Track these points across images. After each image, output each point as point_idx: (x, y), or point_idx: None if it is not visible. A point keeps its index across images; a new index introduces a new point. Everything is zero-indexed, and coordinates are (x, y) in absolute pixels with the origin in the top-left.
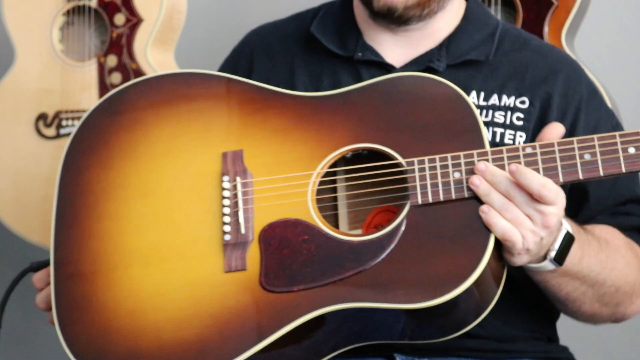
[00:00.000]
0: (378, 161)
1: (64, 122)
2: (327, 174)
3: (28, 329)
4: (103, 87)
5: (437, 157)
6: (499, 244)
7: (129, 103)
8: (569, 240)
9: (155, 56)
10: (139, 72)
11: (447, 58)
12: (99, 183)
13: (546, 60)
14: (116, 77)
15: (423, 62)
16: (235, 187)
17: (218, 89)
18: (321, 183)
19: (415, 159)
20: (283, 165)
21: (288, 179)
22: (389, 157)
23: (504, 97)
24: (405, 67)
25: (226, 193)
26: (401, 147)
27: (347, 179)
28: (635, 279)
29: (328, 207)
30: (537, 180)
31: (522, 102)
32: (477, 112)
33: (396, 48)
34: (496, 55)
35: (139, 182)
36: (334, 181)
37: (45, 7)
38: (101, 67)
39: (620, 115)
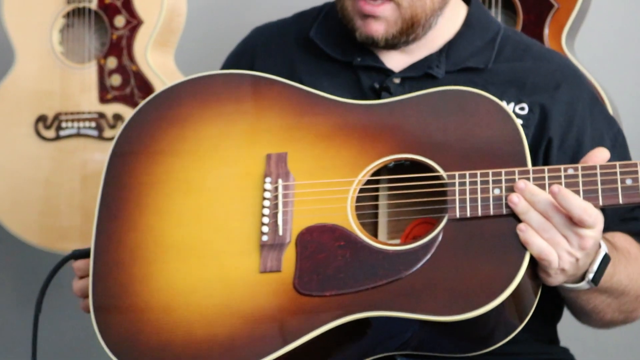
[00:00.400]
0: (420, 173)
1: (63, 124)
2: (368, 182)
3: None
4: (103, 89)
5: (478, 172)
6: (534, 262)
7: (178, 100)
8: (606, 261)
9: (155, 58)
10: (139, 74)
11: (446, 64)
12: (144, 176)
13: (548, 68)
14: (116, 79)
15: (422, 68)
16: (276, 189)
17: (267, 91)
18: (362, 191)
19: (457, 173)
20: (325, 171)
21: (329, 184)
22: (431, 169)
23: (504, 104)
24: (404, 72)
25: (267, 194)
26: (444, 160)
27: (389, 189)
28: None
29: (368, 215)
30: (579, 205)
31: (522, 109)
32: (522, 131)
33: (395, 54)
34: (497, 61)
35: (183, 178)
36: (376, 190)
37: (45, 9)
38: (101, 69)
39: (619, 118)
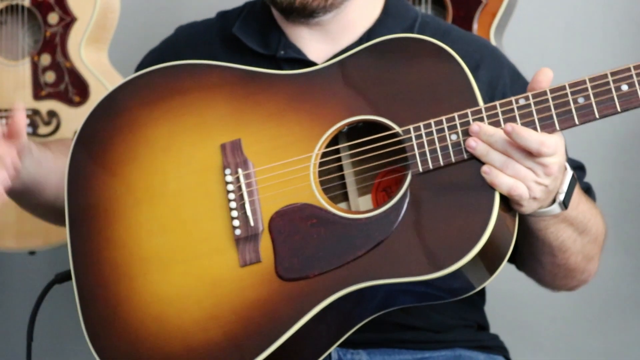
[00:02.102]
0: (376, 131)
1: None
2: (330, 151)
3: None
4: (37, 86)
5: (432, 121)
6: (506, 197)
7: (122, 105)
8: (573, 182)
9: (89, 55)
10: (73, 71)
11: None
12: (106, 191)
13: (467, 49)
14: (50, 76)
15: None
16: (238, 179)
17: (207, 78)
18: (325, 163)
19: (411, 127)
20: (282, 150)
21: (288, 164)
22: (386, 127)
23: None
24: (327, 63)
25: (230, 187)
26: (396, 114)
27: (350, 154)
28: (603, 231)
29: (336, 181)
30: (534, 139)
31: None
32: (467, 69)
33: (317, 44)
34: None
35: (144, 185)
36: (338, 157)
37: None
38: (35, 66)
39: None
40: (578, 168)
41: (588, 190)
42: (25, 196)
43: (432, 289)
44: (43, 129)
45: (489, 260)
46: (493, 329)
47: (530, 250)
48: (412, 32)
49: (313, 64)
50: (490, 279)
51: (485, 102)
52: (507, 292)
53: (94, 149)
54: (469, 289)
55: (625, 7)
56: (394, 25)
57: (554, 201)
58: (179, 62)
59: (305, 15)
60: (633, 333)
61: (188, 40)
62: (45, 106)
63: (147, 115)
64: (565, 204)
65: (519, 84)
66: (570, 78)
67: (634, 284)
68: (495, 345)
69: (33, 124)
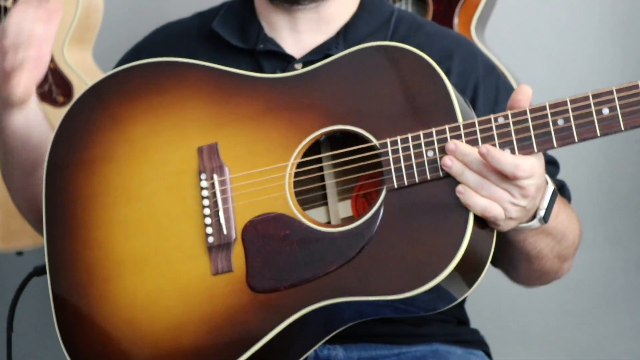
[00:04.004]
0: (354, 139)
1: None
2: (309, 157)
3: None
4: None
5: (409, 136)
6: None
7: (101, 101)
8: (554, 198)
9: (72, 55)
10: (56, 72)
11: (344, 45)
12: (83, 189)
13: (442, 42)
14: None
15: (322, 51)
16: (213, 185)
17: (188, 77)
18: (303, 173)
19: (388, 140)
20: (258, 157)
21: (264, 172)
22: (363, 138)
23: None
24: (305, 57)
25: (205, 192)
26: (374, 126)
27: (331, 163)
28: (578, 233)
29: (316, 185)
30: (510, 162)
31: None
32: (448, 82)
33: (297, 35)
34: (393, 40)
35: (121, 185)
36: (318, 165)
37: None
38: None
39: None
40: (551, 163)
41: (562, 188)
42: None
43: (407, 305)
44: None
45: (465, 276)
46: (480, 325)
47: (506, 256)
48: (389, 26)
49: (291, 57)
50: (467, 292)
51: (458, 91)
52: (493, 286)
53: (73, 146)
54: (446, 304)
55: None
56: (370, 19)
57: (534, 216)
58: (160, 59)
59: (291, 1)
60: (622, 326)
61: (167, 39)
62: None
63: (126, 113)
64: (545, 219)
65: (492, 76)
66: (554, 73)
67: (623, 277)
68: (475, 340)
69: None
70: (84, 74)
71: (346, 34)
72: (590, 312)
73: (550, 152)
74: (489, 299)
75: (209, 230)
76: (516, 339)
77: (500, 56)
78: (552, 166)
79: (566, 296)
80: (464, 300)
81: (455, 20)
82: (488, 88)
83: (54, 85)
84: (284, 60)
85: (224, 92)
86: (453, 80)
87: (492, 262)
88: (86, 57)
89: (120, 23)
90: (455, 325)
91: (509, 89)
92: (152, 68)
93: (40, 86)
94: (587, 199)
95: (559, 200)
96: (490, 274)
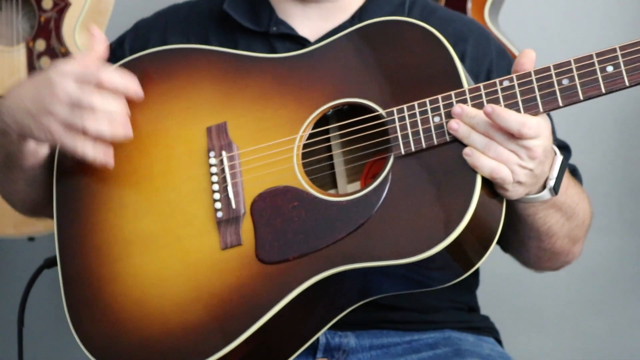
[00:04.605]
0: (362, 113)
1: None
2: (317, 133)
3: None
4: (32, 72)
5: (415, 103)
6: (490, 181)
7: None
8: (563, 167)
9: (84, 40)
10: (68, 56)
11: None
12: (93, 174)
13: (454, 26)
14: (45, 62)
15: (336, 34)
16: (221, 162)
17: (195, 62)
18: (311, 145)
19: (395, 109)
20: (267, 133)
21: (272, 146)
22: (369, 109)
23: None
24: (319, 41)
25: (213, 169)
26: (380, 97)
27: (338, 136)
28: (589, 214)
29: (326, 168)
30: (515, 120)
31: None
32: (452, 51)
33: (309, 22)
34: None
35: (131, 168)
36: (325, 140)
37: None
38: (30, 51)
39: None
40: (563, 148)
41: (574, 172)
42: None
43: (415, 274)
44: None
45: (474, 244)
46: (490, 312)
47: (516, 234)
48: (403, 10)
49: (305, 40)
50: (477, 264)
51: (471, 77)
52: (504, 273)
53: None
54: (457, 275)
55: None
56: (384, 4)
57: (544, 187)
58: (167, 47)
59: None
60: (638, 313)
61: (177, 19)
62: None
63: (135, 100)
64: (555, 190)
65: (505, 61)
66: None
67: (639, 263)
68: (486, 327)
69: None
70: None
71: (361, 18)
72: (605, 299)
73: (563, 137)
74: (500, 285)
75: (218, 205)
76: (528, 326)
77: (514, 41)
78: (563, 151)
79: (580, 283)
80: (475, 287)
81: (469, 5)
82: (501, 73)
83: None
84: (298, 43)
85: (232, 74)
86: (467, 64)
87: (503, 248)
88: None
89: (133, 7)
90: (466, 312)
91: None
92: (159, 56)
93: None
94: (602, 186)
95: (569, 176)
96: (501, 260)
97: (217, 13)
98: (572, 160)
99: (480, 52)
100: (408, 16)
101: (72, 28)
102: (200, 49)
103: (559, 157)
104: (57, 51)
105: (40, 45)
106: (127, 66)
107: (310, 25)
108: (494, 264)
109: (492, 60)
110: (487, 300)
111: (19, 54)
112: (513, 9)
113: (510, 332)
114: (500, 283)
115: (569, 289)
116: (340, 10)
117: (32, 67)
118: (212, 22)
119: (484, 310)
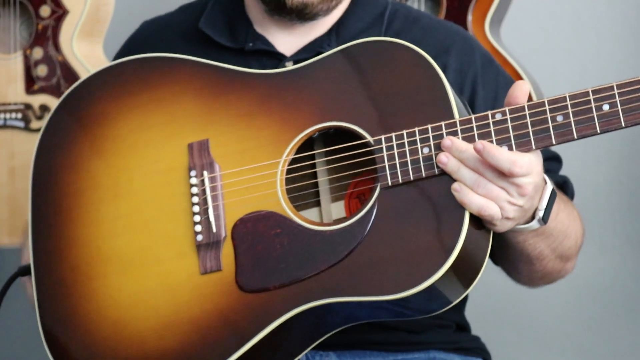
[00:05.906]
0: (350, 136)
1: None
2: (302, 151)
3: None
4: (29, 80)
5: (404, 132)
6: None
7: (91, 97)
8: (553, 198)
9: (81, 48)
10: (65, 65)
11: (337, 43)
12: (70, 186)
13: (438, 36)
14: (42, 70)
15: (313, 49)
16: (203, 182)
17: (178, 72)
18: (295, 170)
19: (383, 137)
20: (250, 153)
21: (256, 169)
22: (357, 134)
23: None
24: (296, 55)
25: (194, 190)
26: (369, 122)
27: (321, 157)
28: (581, 232)
29: (309, 186)
30: (506, 159)
31: None
32: (444, 78)
33: (286, 37)
34: (387, 35)
35: (109, 182)
36: (311, 163)
37: None
38: (27, 59)
39: None
40: (553, 159)
41: (565, 184)
42: None
43: (397, 307)
44: (35, 124)
45: (460, 278)
46: (482, 331)
47: (506, 258)
48: (382, 21)
49: (282, 55)
50: (463, 294)
51: (455, 89)
52: (497, 290)
53: (60, 141)
54: (440, 307)
55: None
56: (363, 14)
57: (532, 217)
58: (151, 55)
59: (305, 18)
60: (638, 332)
61: (150, 36)
62: (37, 100)
63: (115, 108)
64: (544, 220)
65: (491, 70)
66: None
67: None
68: (475, 347)
69: (25, 119)
70: (93, 68)
71: (338, 31)
72: (607, 317)
73: (559, 149)
74: (492, 303)
75: (198, 228)
76: (525, 347)
77: (516, 55)
78: (554, 162)
79: (582, 301)
80: (463, 305)
81: (469, 17)
82: (487, 83)
83: (62, 79)
84: (275, 59)
85: (216, 88)
86: (450, 77)
87: (495, 261)
88: (96, 50)
89: (133, 16)
90: (454, 332)
91: (509, 83)
92: (142, 63)
93: (48, 79)
94: (608, 202)
95: (559, 199)
96: (494, 276)
97: (191, 30)
98: (574, 176)
99: (464, 64)
100: (388, 27)
101: (69, 36)
102: (183, 59)
103: (549, 187)
104: (55, 60)
105: (37, 53)
106: (109, 73)
107: (288, 40)
108: (489, 282)
109: (477, 72)
110: (481, 320)
111: (16, 61)
112: (515, 22)
113: (506, 353)
114: (495, 301)
115: (569, 306)
116: (318, 23)
117: (29, 75)
118: (184, 40)
119: (476, 330)
